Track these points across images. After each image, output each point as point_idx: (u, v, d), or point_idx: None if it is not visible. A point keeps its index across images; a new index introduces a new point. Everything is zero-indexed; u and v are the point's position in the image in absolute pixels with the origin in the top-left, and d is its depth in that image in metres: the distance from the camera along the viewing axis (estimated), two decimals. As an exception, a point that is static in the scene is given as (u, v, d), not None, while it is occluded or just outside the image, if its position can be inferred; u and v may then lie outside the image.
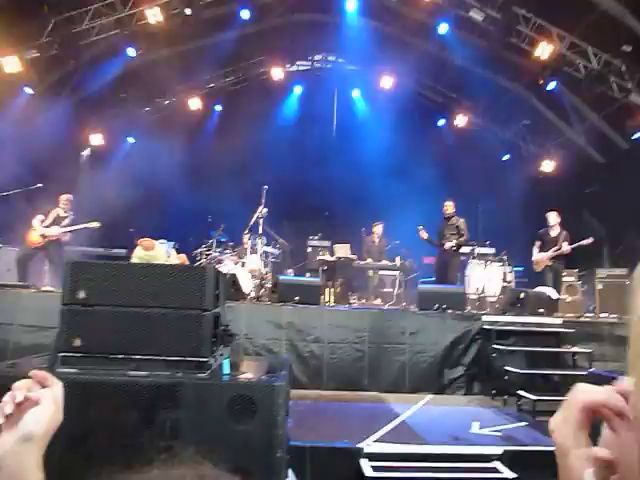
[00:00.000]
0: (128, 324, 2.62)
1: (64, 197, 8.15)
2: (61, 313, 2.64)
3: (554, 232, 8.43)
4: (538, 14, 9.79)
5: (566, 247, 8.23)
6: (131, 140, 13.94)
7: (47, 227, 7.90)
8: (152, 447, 2.42)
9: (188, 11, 9.75)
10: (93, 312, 2.62)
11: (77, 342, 2.59)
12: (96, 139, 12.92)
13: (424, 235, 8.72)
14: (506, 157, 14.35)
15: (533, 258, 8.58)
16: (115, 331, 2.61)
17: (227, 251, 9.50)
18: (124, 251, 9.78)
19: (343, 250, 9.44)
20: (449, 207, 8.80)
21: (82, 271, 2.65)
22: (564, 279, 8.74)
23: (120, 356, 2.61)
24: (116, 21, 9.98)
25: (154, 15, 9.68)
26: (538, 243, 8.54)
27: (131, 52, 10.48)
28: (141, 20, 9.91)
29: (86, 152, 13.07)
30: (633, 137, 10.52)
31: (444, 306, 6.58)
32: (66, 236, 8.01)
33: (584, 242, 8.21)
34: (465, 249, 9.76)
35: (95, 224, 8.07)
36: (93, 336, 2.61)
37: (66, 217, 8.07)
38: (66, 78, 10.69)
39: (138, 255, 7.28)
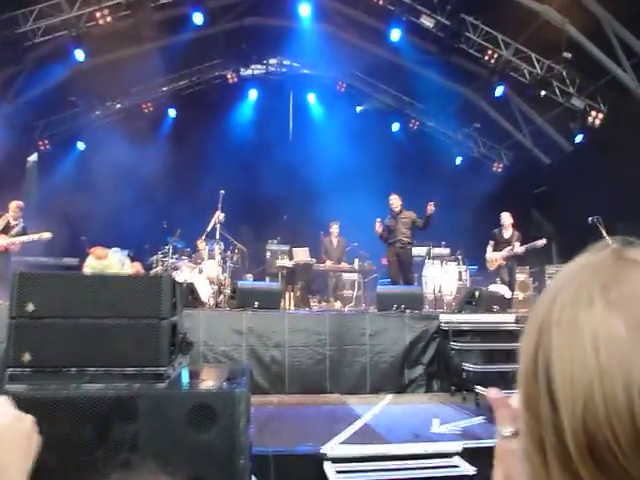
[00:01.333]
0: (81, 336, 2.53)
1: (14, 204, 7.73)
2: (8, 327, 2.52)
3: (507, 232, 8.71)
4: (485, 22, 10.14)
5: (520, 248, 8.48)
6: (81, 145, 13.48)
7: None
8: (109, 462, 2.35)
9: (138, 13, 9.52)
10: (43, 325, 2.52)
11: (26, 357, 2.48)
12: (43, 144, 12.44)
13: (379, 229, 8.47)
14: (459, 159, 14.76)
15: (487, 257, 8.83)
16: (67, 344, 2.52)
17: (184, 257, 9.34)
18: (75, 260, 9.45)
19: (302, 254, 9.45)
20: (395, 200, 8.52)
21: (30, 283, 2.53)
22: (516, 276, 9.05)
23: (73, 369, 2.52)
24: (63, 22, 9.63)
25: (103, 16, 9.41)
26: (492, 243, 8.81)
27: (79, 54, 10.10)
28: (89, 21, 9.61)
29: (33, 158, 12.56)
30: (576, 139, 11.05)
31: (403, 306, 6.69)
32: (15, 246, 7.64)
33: (537, 243, 8.47)
34: (421, 250, 9.93)
35: (47, 235, 7.71)
36: (44, 350, 2.50)
37: (16, 225, 7.69)
38: (10, 81, 10.23)
39: (90, 264, 7.05)
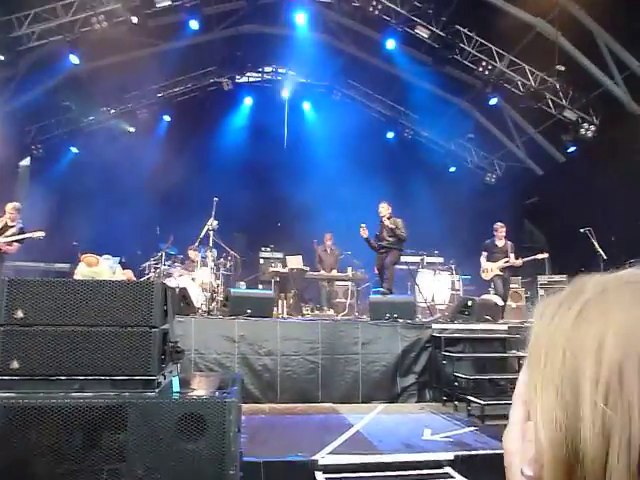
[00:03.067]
0: (71, 344, 2.51)
1: (10, 206, 7.53)
2: (-3, 334, 2.49)
3: (500, 242, 8.74)
4: (479, 33, 10.23)
5: (518, 260, 8.47)
6: (74, 150, 13.43)
7: None
8: (97, 471, 2.32)
9: (134, 19, 9.50)
10: (32, 332, 2.49)
11: (15, 364, 2.45)
12: (36, 148, 12.39)
13: (364, 233, 8.43)
14: (452, 169, 14.84)
15: (482, 267, 8.82)
16: (57, 351, 2.49)
17: (177, 264, 9.30)
18: (67, 266, 9.40)
19: (295, 261, 9.44)
20: (383, 209, 8.56)
21: (20, 289, 2.51)
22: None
23: (63, 377, 2.49)
24: (58, 27, 9.61)
25: (99, 22, 9.40)
26: (485, 253, 8.82)
27: (74, 59, 10.09)
28: (85, 27, 9.60)
29: (25, 161, 12.50)
30: (568, 151, 11.15)
31: (395, 315, 6.69)
32: (11, 247, 7.48)
33: (539, 256, 8.50)
34: (415, 258, 9.96)
35: (40, 233, 7.58)
36: (33, 357, 2.48)
37: (13, 227, 7.54)
38: (3, 84, 10.20)
39: (81, 272, 7.01)
